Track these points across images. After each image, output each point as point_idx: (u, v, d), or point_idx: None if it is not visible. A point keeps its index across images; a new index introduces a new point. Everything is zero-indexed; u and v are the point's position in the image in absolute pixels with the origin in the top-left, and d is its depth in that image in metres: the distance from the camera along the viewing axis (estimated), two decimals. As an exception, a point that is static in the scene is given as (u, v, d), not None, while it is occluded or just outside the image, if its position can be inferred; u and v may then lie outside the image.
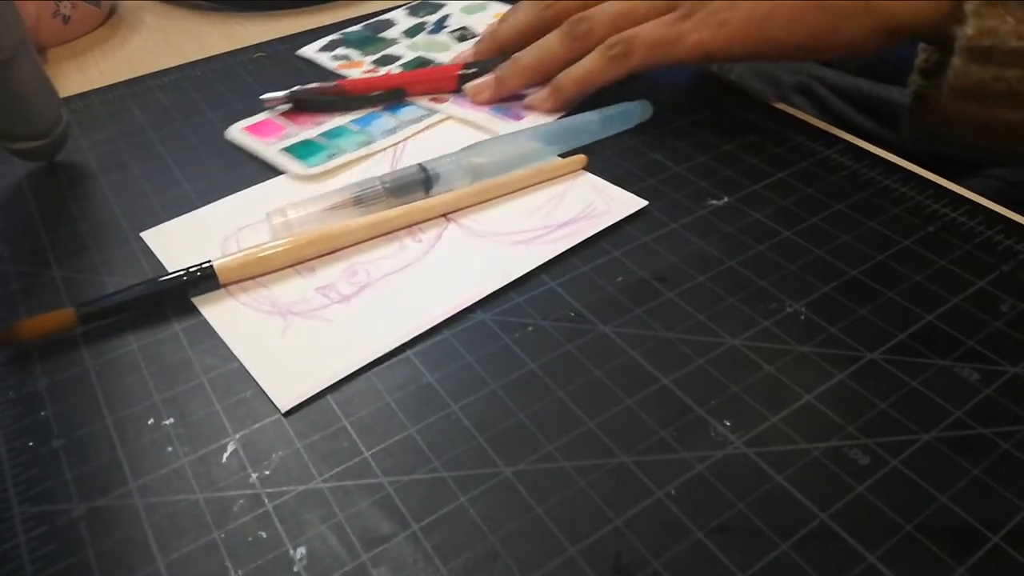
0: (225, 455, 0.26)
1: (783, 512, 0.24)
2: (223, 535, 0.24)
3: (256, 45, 0.50)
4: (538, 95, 0.41)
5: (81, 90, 0.46)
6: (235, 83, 0.46)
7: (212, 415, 0.27)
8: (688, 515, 0.24)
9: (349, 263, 0.33)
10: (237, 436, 0.27)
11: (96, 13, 0.53)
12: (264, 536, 0.24)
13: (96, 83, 0.47)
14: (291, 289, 0.32)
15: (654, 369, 0.28)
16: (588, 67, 0.40)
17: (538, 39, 0.42)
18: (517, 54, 0.42)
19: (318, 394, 0.28)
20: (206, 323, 0.31)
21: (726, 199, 0.36)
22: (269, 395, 0.28)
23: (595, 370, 0.28)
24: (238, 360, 0.29)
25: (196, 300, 0.31)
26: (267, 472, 0.25)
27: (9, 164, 0.40)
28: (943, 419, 0.26)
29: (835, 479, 0.25)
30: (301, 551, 0.23)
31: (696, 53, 0.38)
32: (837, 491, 0.24)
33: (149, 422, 0.27)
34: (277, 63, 0.48)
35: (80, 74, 0.49)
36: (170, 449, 0.26)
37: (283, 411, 0.27)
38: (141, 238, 0.35)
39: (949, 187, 0.36)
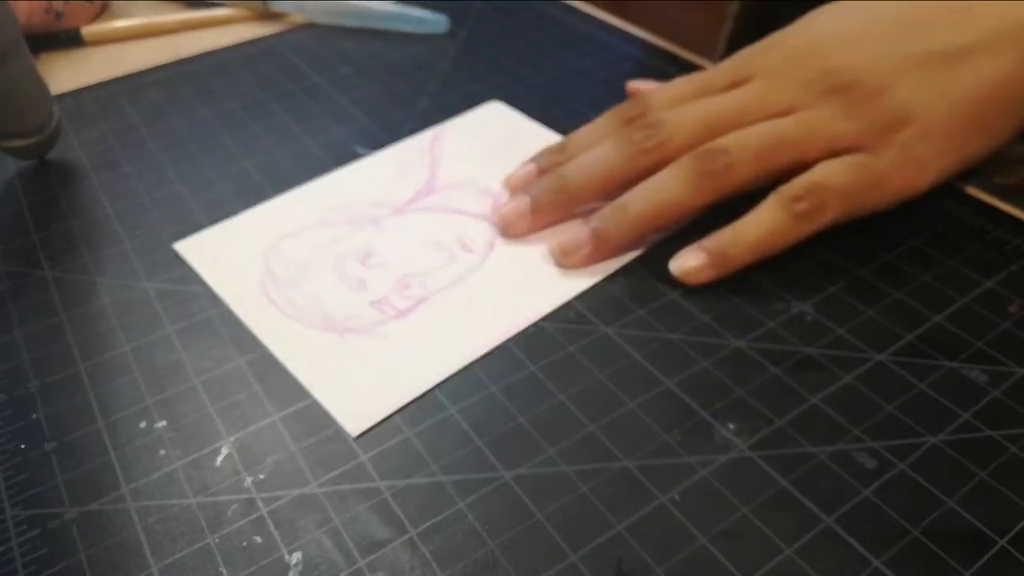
0: (219, 459, 0.26)
1: (788, 516, 0.23)
2: (217, 540, 0.23)
3: (250, 42, 0.50)
4: (693, 261, 0.30)
5: (73, 87, 0.46)
6: (229, 80, 0.46)
7: (205, 418, 0.27)
8: (692, 520, 0.23)
9: (400, 275, 0.32)
10: (231, 439, 0.26)
11: (89, 9, 0.52)
12: (259, 541, 0.23)
13: (88, 80, 0.46)
14: (344, 304, 0.31)
15: (657, 371, 0.28)
16: (768, 227, 0.30)
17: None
18: (625, 198, 0.32)
19: (312, 396, 0.27)
20: (200, 325, 0.30)
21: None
22: (337, 419, 0.27)
23: (597, 372, 0.28)
24: (231, 362, 0.29)
25: (247, 321, 0.30)
26: (261, 476, 0.25)
27: (0, 161, 0.39)
28: (951, 421, 0.26)
29: (841, 483, 0.24)
30: (296, 556, 0.23)
31: (900, 199, 0.31)
32: (843, 495, 0.24)
33: (141, 425, 0.27)
34: (271, 59, 0.48)
35: (71, 71, 0.48)
36: (163, 452, 0.26)
37: (354, 436, 0.26)
38: (133, 237, 0.35)
39: (957, 185, 0.36)
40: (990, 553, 0.22)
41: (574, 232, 0.32)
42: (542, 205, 0.33)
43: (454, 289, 0.31)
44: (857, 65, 0.30)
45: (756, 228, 0.30)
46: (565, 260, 0.32)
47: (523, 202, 0.33)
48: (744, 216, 0.31)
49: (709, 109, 0.32)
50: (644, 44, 0.47)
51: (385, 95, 0.44)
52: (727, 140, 0.31)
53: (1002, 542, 0.23)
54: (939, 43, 0.30)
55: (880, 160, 0.30)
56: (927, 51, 0.30)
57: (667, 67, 0.45)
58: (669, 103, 0.34)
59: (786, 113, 0.31)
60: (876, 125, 0.30)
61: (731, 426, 0.26)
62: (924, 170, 0.31)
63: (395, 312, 0.30)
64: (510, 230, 0.33)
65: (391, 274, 0.32)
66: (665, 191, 0.31)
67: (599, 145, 0.33)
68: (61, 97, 0.44)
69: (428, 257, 0.33)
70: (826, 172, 0.30)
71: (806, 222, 0.30)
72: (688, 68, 0.45)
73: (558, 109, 0.42)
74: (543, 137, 0.39)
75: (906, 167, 0.30)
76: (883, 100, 0.30)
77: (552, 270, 0.32)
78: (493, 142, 0.39)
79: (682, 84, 0.35)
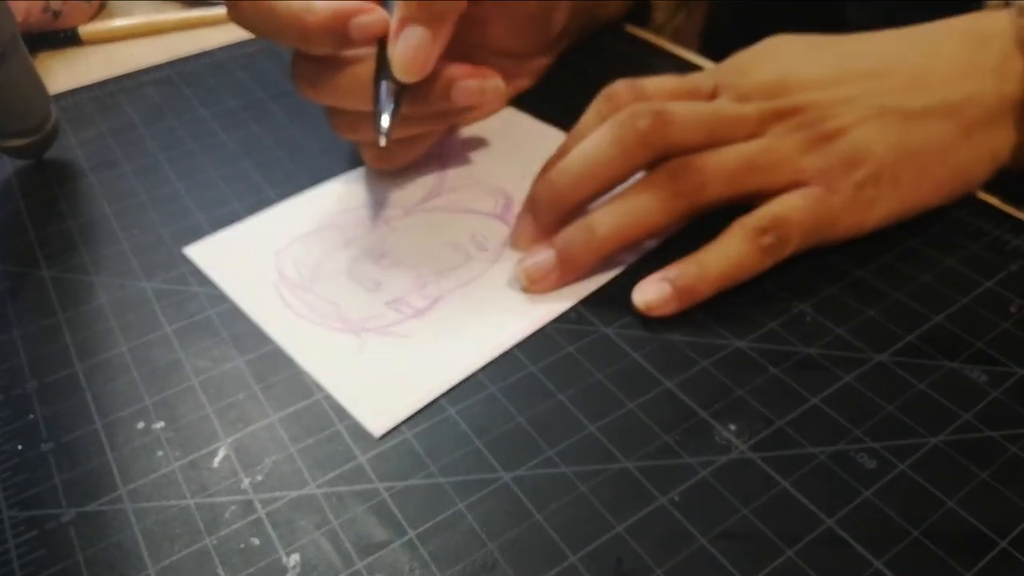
0: (217, 460, 0.26)
1: (788, 518, 0.23)
2: (215, 542, 0.23)
3: (248, 40, 0.50)
4: (656, 295, 0.30)
5: (70, 87, 0.46)
6: (227, 79, 0.46)
7: (203, 419, 0.27)
8: (692, 521, 0.23)
9: (416, 274, 0.32)
10: (229, 440, 0.26)
11: (86, 8, 0.52)
12: (257, 543, 0.23)
13: (86, 79, 0.46)
14: (360, 304, 0.31)
15: (657, 372, 0.28)
16: (734, 260, 0.30)
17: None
18: (592, 218, 0.31)
19: (311, 396, 0.27)
20: (198, 325, 0.30)
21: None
22: (359, 420, 0.26)
23: (596, 373, 0.28)
24: (230, 362, 0.29)
25: (263, 325, 0.30)
26: (259, 477, 0.25)
27: (-2, 161, 0.39)
28: (951, 422, 0.26)
29: (841, 484, 0.24)
30: (294, 558, 0.23)
31: (846, 237, 0.32)
32: (843, 496, 0.24)
33: (139, 426, 0.27)
34: (270, 58, 0.48)
35: (69, 70, 0.48)
36: (160, 453, 0.26)
37: (377, 436, 0.26)
38: (131, 237, 0.35)
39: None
40: (991, 554, 0.22)
41: (540, 257, 0.31)
42: (572, 257, 0.31)
43: (470, 287, 0.31)
44: (821, 105, 0.32)
45: (722, 260, 0.30)
46: (532, 287, 0.31)
47: (526, 221, 0.33)
48: (707, 247, 0.30)
49: (708, 113, 0.32)
50: (639, 40, 0.47)
51: (384, 95, 0.44)
52: (702, 160, 0.31)
53: (1003, 543, 0.23)
54: (896, 99, 0.32)
55: (835, 197, 0.31)
56: (884, 105, 0.31)
57: (661, 63, 0.45)
58: (666, 96, 0.34)
59: (758, 133, 0.32)
60: (835, 163, 0.31)
61: (731, 427, 0.26)
62: (870, 211, 0.31)
63: (412, 311, 0.30)
64: (522, 249, 0.33)
65: (406, 274, 0.32)
66: (635, 212, 0.31)
67: (595, 134, 0.32)
68: (59, 96, 0.44)
69: (443, 256, 0.33)
70: (789, 206, 0.30)
71: (770, 255, 0.30)
72: (680, 66, 0.45)
73: (555, 106, 0.41)
74: (551, 136, 0.39)
75: (856, 206, 0.31)
76: (841, 139, 0.31)
77: None
78: (502, 142, 0.39)
79: (674, 81, 0.35)
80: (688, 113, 0.32)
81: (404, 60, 0.30)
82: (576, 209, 0.32)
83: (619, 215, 0.31)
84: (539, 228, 0.32)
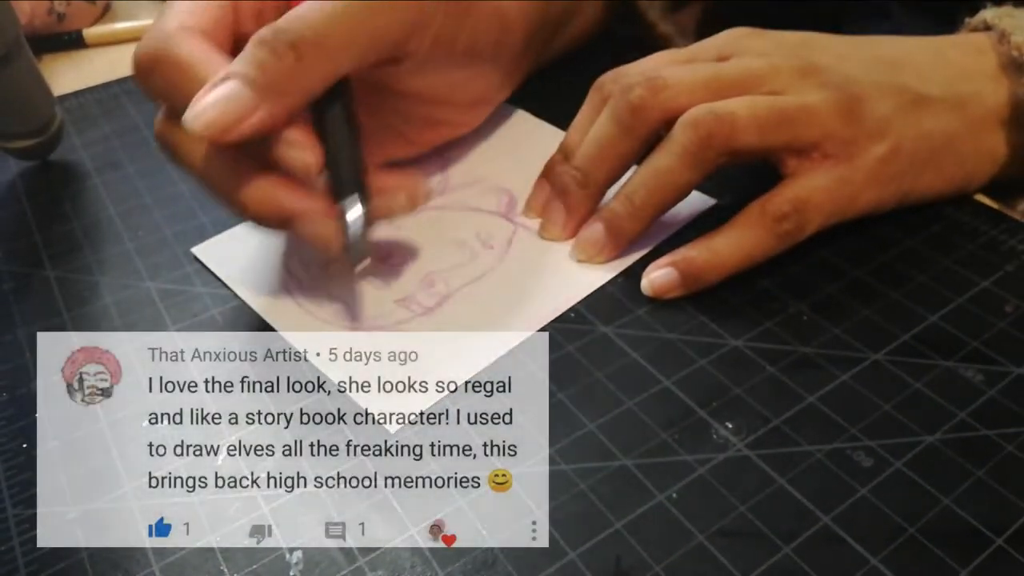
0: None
1: (785, 515, 0.24)
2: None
3: (252, 43, 0.50)
4: (662, 280, 0.30)
5: (75, 88, 0.46)
6: (231, 81, 0.46)
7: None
8: (690, 518, 0.24)
9: (424, 273, 0.32)
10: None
11: (91, 10, 0.53)
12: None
13: (90, 81, 0.46)
14: (368, 302, 0.31)
15: (655, 370, 0.28)
16: (747, 248, 0.30)
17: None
18: (628, 188, 0.32)
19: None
20: (202, 324, 0.30)
21: (728, 198, 0.36)
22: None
23: (595, 372, 0.28)
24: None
25: (275, 323, 0.30)
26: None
27: (2, 162, 0.40)
28: (946, 420, 0.26)
29: (838, 481, 0.24)
30: (297, 555, 0.23)
31: (864, 214, 0.32)
32: (840, 494, 0.24)
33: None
34: (274, 61, 0.48)
35: (74, 72, 0.48)
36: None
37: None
38: (135, 237, 0.35)
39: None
40: (987, 551, 0.22)
41: (590, 231, 0.32)
42: (574, 204, 0.33)
43: (477, 285, 0.32)
44: (843, 72, 0.31)
45: (734, 247, 0.30)
46: (588, 260, 0.32)
47: (557, 210, 0.33)
48: (722, 229, 0.30)
49: (708, 72, 0.32)
50: (639, 43, 0.47)
51: (385, 96, 0.44)
52: (731, 104, 0.30)
53: (999, 541, 0.23)
54: (910, 83, 0.32)
55: (858, 172, 0.30)
56: (902, 85, 0.32)
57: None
58: (658, 68, 0.33)
59: (780, 92, 0.31)
60: (860, 133, 0.30)
61: (729, 425, 0.26)
62: (888, 188, 0.31)
63: (421, 309, 0.31)
64: (556, 239, 0.33)
65: (415, 272, 0.32)
66: (664, 172, 0.30)
67: (599, 117, 0.32)
68: (63, 98, 0.45)
69: (450, 254, 0.33)
70: (811, 187, 0.30)
71: (785, 241, 0.30)
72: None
73: (555, 106, 0.42)
74: (551, 136, 0.39)
75: (877, 182, 0.31)
76: (865, 106, 0.31)
77: (567, 266, 0.32)
78: (503, 142, 0.39)
79: (668, 53, 0.35)
80: (682, 76, 0.31)
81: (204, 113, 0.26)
82: (600, 192, 0.33)
83: (651, 178, 0.31)
84: (570, 214, 0.33)
